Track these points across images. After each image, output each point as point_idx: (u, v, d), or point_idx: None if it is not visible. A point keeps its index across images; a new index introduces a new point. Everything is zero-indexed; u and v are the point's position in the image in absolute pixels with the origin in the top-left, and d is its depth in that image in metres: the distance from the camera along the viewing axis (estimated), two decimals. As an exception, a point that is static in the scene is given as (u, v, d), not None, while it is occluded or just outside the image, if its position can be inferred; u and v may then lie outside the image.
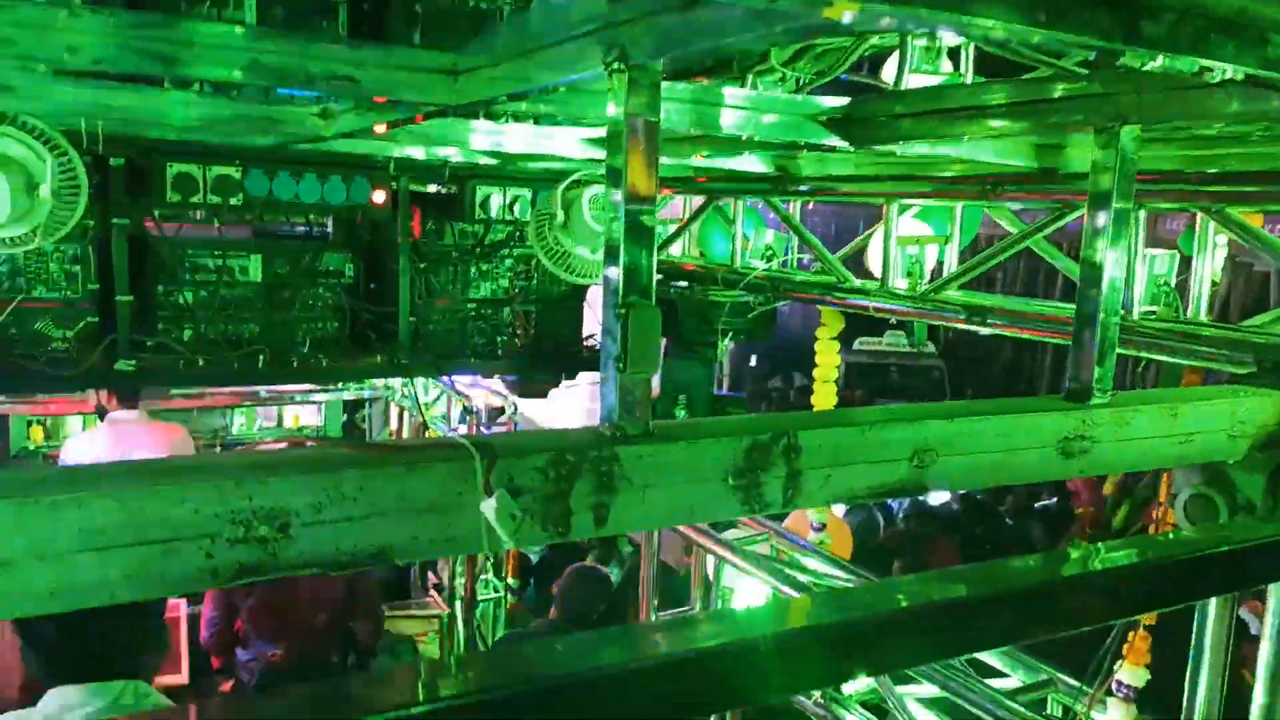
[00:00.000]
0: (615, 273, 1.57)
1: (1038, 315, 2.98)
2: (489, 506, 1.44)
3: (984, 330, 3.10)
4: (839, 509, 6.54)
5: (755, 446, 1.61)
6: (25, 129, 3.10)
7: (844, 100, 2.52)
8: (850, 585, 3.80)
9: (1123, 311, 2.67)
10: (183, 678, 5.17)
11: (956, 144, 2.55)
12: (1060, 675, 3.51)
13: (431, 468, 1.44)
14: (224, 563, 1.35)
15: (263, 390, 7.25)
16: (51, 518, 1.25)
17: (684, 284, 4.63)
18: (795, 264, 4.38)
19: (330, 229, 4.56)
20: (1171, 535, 1.33)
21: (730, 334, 4.39)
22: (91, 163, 3.58)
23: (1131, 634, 2.89)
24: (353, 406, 8.14)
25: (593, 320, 4.27)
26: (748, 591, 4.28)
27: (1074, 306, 2.06)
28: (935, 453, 1.73)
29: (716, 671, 0.98)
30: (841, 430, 1.68)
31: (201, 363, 4.14)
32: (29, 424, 6.78)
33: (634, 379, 1.57)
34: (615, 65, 1.47)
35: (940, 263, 3.48)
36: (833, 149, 2.63)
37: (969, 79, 2.61)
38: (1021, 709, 3.06)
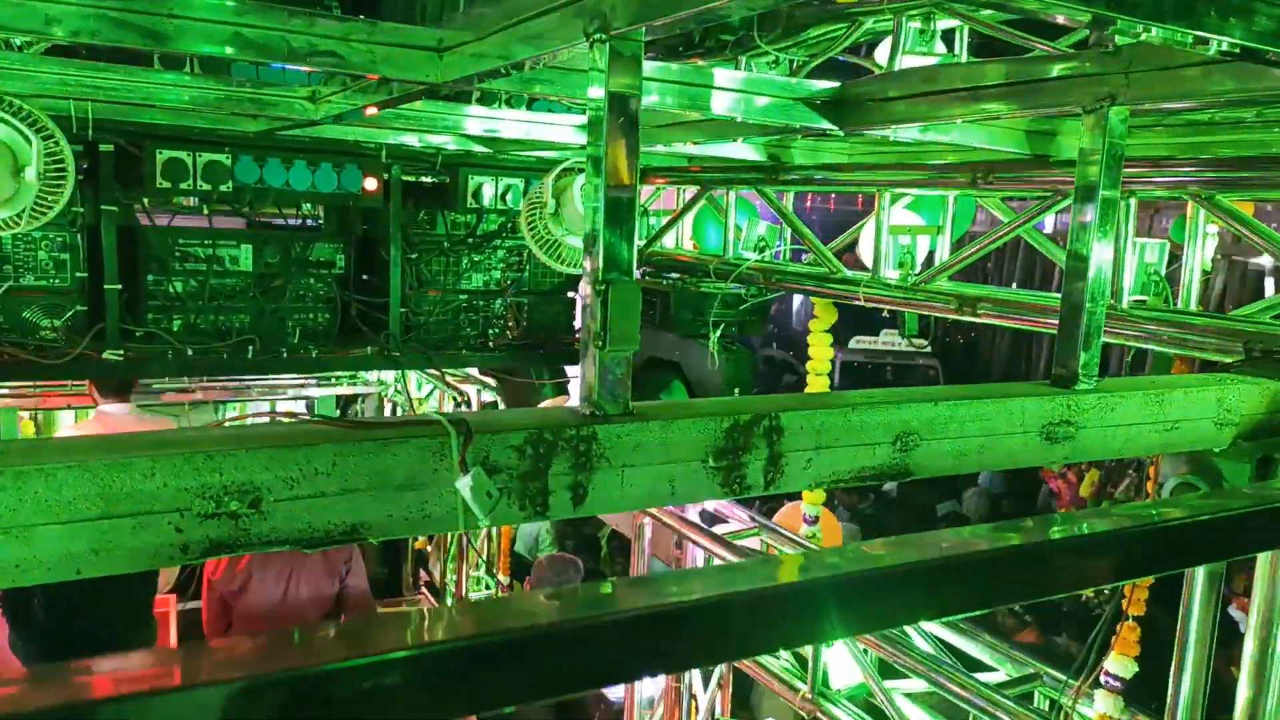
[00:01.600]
0: (595, 249, 1.55)
1: (1027, 304, 2.97)
2: (464, 484, 1.42)
3: (974, 320, 3.09)
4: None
5: (736, 427, 1.59)
6: (11, 110, 3.07)
7: (836, 84, 2.51)
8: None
9: (1112, 300, 2.66)
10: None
11: (949, 129, 2.53)
12: (1047, 669, 3.51)
13: (406, 444, 1.42)
14: (194, 537, 1.33)
15: (254, 385, 7.21)
16: (17, 489, 1.23)
17: (676, 275, 4.61)
18: (788, 255, 4.36)
19: (321, 218, 4.55)
20: (1151, 507, 1.32)
21: (723, 326, 4.37)
22: (81, 149, 3.57)
23: (1119, 625, 2.88)
24: (345, 402, 8.11)
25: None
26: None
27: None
28: (918, 436, 1.71)
29: (687, 626, 0.97)
30: (824, 413, 1.66)
31: (190, 352, 4.13)
32: (20, 417, 6.74)
33: (614, 356, 1.55)
34: (596, 35, 1.45)
35: (932, 253, 3.46)
36: (824, 134, 2.62)
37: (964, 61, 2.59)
38: (1009, 702, 3.05)
